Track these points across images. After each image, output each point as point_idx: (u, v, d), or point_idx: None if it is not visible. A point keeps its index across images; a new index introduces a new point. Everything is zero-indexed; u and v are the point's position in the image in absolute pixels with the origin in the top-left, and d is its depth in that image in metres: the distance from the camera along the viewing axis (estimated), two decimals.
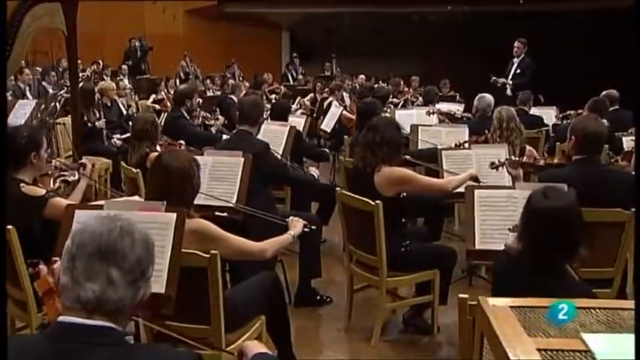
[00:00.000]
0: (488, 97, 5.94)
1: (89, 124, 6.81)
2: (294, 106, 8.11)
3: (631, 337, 1.45)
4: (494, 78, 9.06)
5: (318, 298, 4.33)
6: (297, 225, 3.06)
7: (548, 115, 7.72)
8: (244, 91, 9.06)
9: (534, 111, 7.43)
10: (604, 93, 7.15)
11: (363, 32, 19.38)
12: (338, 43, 18.88)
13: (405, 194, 3.77)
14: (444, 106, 7.39)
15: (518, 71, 9.19)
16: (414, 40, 18.60)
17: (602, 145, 3.45)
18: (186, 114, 5.94)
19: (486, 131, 4.77)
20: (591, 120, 3.53)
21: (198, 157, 3.92)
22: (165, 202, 2.49)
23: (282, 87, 12.80)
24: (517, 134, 4.52)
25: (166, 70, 15.08)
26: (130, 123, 8.30)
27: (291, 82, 14.45)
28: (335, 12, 18.27)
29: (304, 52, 19.08)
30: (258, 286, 3.10)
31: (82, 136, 6.78)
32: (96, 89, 7.25)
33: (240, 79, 14.96)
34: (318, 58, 18.28)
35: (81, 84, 8.18)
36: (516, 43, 9.11)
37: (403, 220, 3.84)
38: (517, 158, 3.92)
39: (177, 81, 14.24)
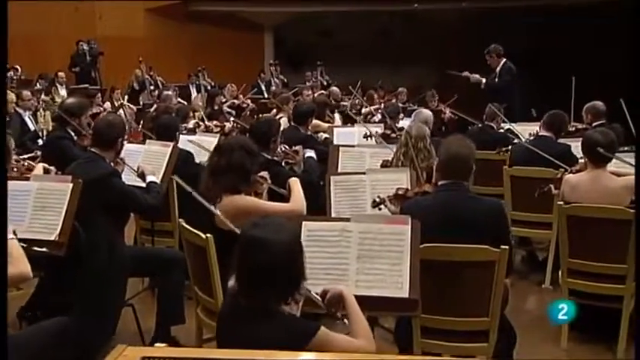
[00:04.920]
0: (426, 113, 6.01)
1: None
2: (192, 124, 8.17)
3: None
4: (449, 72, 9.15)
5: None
6: None
7: (532, 131, 7.70)
8: (175, 102, 9.17)
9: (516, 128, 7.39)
10: (587, 105, 7.17)
11: (365, 35, 19.45)
12: (335, 47, 18.95)
13: None
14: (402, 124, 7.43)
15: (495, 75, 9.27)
16: (427, 43, 18.64)
17: (468, 170, 3.50)
18: (73, 134, 6.00)
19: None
20: (457, 140, 3.59)
21: (22, 183, 4.09)
22: None
23: (249, 101, 12.91)
24: (424, 156, 4.57)
25: (124, 78, 15.27)
26: (40, 141, 8.51)
27: (265, 95, 14.53)
28: (329, 11, 18.36)
29: (293, 58, 19.21)
30: (48, 333, 3.20)
31: None
32: None
33: (209, 89, 15.11)
34: (311, 66, 18.25)
35: None
36: (487, 56, 9.18)
37: None
38: (400, 190, 3.99)
39: (129, 91, 14.50)
